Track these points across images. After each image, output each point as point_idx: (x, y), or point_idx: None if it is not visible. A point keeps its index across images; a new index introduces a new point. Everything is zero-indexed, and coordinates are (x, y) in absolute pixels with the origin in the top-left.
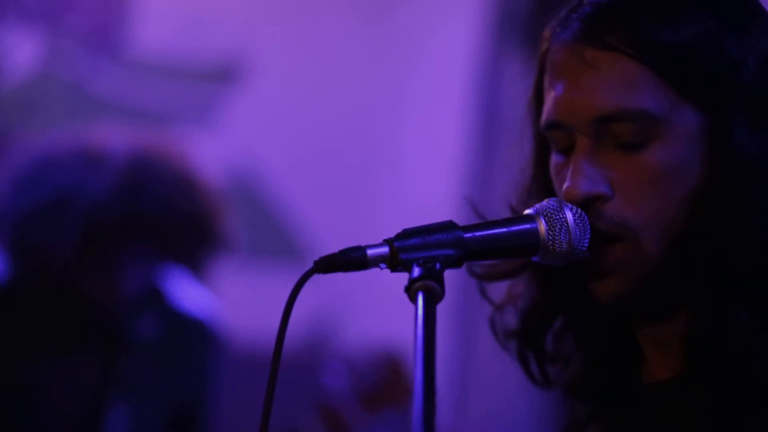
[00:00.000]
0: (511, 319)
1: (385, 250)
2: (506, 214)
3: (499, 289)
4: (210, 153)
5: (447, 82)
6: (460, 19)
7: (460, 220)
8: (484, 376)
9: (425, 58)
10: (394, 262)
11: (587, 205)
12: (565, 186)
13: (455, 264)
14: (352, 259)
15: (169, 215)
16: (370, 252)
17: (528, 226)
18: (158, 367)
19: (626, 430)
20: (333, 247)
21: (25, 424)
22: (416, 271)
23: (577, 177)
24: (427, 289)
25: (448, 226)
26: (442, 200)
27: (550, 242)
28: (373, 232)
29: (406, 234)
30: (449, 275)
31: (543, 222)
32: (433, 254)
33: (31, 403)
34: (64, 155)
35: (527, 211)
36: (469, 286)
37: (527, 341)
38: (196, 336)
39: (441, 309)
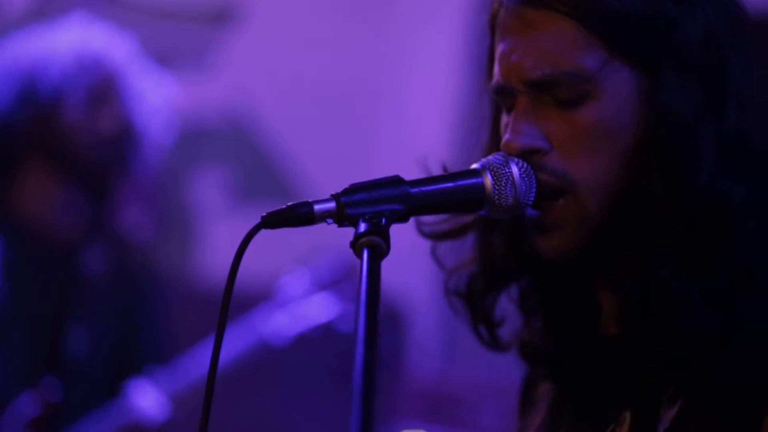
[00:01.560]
0: (462, 282)
1: (332, 205)
2: None
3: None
4: (205, 95)
5: (443, 27)
6: None
7: (455, 164)
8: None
9: (423, 6)
10: (341, 217)
11: (526, 158)
12: (504, 140)
13: (402, 219)
14: (299, 215)
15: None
16: (317, 207)
17: (474, 180)
18: (106, 295)
19: (578, 387)
20: (327, 189)
21: None
22: (362, 227)
23: (514, 132)
24: (372, 244)
25: (394, 181)
26: (438, 141)
27: (497, 196)
28: (369, 175)
29: (352, 189)
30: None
31: (489, 176)
32: (380, 209)
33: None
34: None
35: (473, 166)
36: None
37: (473, 305)
38: (137, 273)
39: (427, 255)
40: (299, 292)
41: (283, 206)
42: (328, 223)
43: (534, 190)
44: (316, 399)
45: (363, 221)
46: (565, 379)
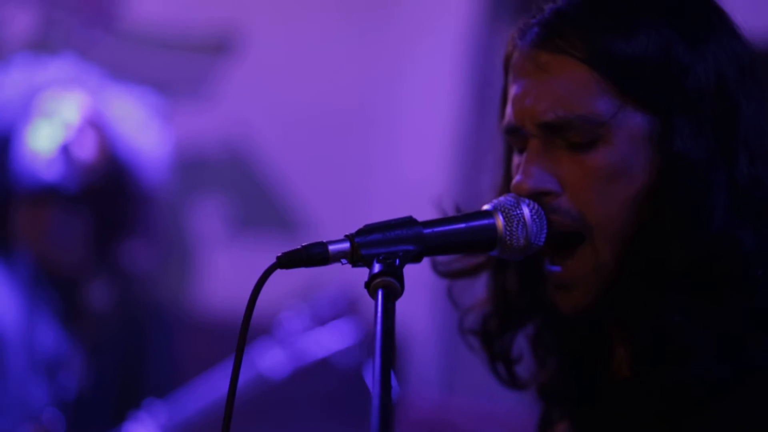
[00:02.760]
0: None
1: (346, 246)
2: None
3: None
4: (204, 124)
5: (441, 57)
6: None
7: (453, 195)
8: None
9: (420, 35)
10: (355, 257)
11: (537, 199)
12: (514, 181)
13: (415, 259)
14: (313, 255)
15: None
16: (331, 248)
17: (486, 221)
18: (110, 328)
19: (591, 427)
20: (325, 220)
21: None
22: (376, 267)
23: (525, 174)
24: (387, 285)
25: (407, 222)
26: (436, 174)
27: (508, 237)
28: (367, 206)
29: (367, 230)
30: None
31: (500, 217)
32: (393, 249)
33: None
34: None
35: (485, 207)
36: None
37: (489, 343)
38: (140, 305)
39: (428, 285)
40: (298, 328)
41: (298, 246)
42: (342, 263)
43: (545, 231)
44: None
45: (377, 262)
46: (582, 420)
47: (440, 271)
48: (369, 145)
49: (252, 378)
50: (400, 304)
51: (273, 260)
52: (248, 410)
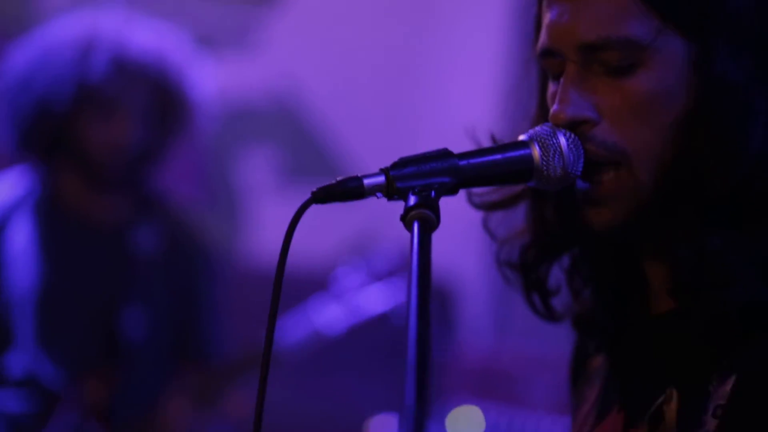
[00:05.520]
0: (515, 254)
1: (381, 179)
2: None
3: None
4: (251, 75)
5: (488, 3)
6: None
7: (502, 134)
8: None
9: None
10: (390, 191)
11: (574, 128)
12: (551, 110)
13: (451, 191)
14: (348, 189)
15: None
16: (366, 181)
17: (522, 151)
18: (159, 276)
19: (628, 362)
20: (374, 166)
21: (53, 327)
22: (412, 200)
23: (563, 102)
24: (422, 217)
25: (443, 154)
26: (483, 114)
27: (544, 167)
28: (415, 150)
29: (402, 163)
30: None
31: (537, 147)
32: (429, 182)
33: (57, 306)
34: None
35: (521, 137)
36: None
37: (526, 275)
38: (190, 249)
39: (478, 229)
40: (354, 283)
41: (333, 181)
42: (378, 197)
43: (582, 160)
44: (370, 386)
45: (413, 194)
46: (618, 354)
47: (476, 203)
48: (416, 91)
49: (308, 334)
50: (449, 251)
51: (321, 210)
52: (305, 366)
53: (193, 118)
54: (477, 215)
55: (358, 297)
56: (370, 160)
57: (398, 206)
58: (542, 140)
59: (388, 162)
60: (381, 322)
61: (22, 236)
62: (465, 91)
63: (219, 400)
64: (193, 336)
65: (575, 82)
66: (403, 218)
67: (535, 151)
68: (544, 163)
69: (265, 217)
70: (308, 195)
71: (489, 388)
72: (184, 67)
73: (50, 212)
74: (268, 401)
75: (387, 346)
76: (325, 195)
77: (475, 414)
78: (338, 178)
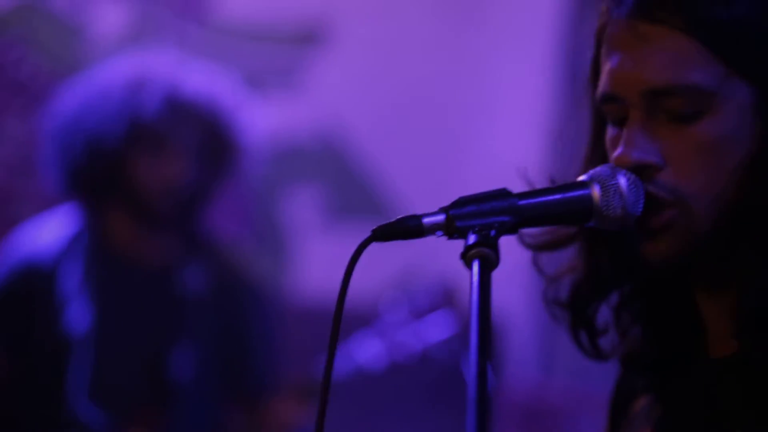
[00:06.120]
0: (563, 292)
1: (441, 218)
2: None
3: (552, 262)
4: (296, 115)
5: (532, 39)
6: None
7: (546, 177)
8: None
9: (510, 17)
10: (451, 229)
11: (639, 172)
12: (616, 153)
13: (510, 230)
14: (408, 228)
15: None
16: (426, 220)
17: (582, 192)
18: (208, 316)
19: (685, 405)
20: (420, 207)
21: (102, 370)
22: (472, 239)
23: (628, 145)
24: (483, 256)
25: (502, 193)
26: (530, 155)
27: (604, 207)
28: (461, 191)
29: (461, 202)
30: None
31: (597, 187)
32: (489, 221)
33: (107, 349)
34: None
35: (581, 178)
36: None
37: (575, 313)
38: (239, 287)
39: (524, 268)
40: (396, 319)
41: (392, 220)
42: (437, 236)
43: (642, 201)
44: (413, 424)
45: (473, 233)
46: (672, 395)
47: (529, 244)
48: (462, 132)
49: (350, 370)
50: (497, 286)
51: (367, 250)
52: (346, 402)
53: (243, 158)
54: (523, 251)
55: (399, 333)
56: (416, 198)
57: (441, 243)
58: (602, 180)
59: (434, 200)
60: (422, 358)
61: (73, 278)
62: (512, 130)
63: None
64: (242, 374)
65: (640, 127)
66: (463, 256)
67: (595, 192)
68: (604, 203)
69: (310, 256)
70: (354, 233)
71: (535, 424)
72: (234, 108)
73: (99, 253)
74: None
75: (428, 383)
76: (385, 233)
77: None
78: (397, 217)
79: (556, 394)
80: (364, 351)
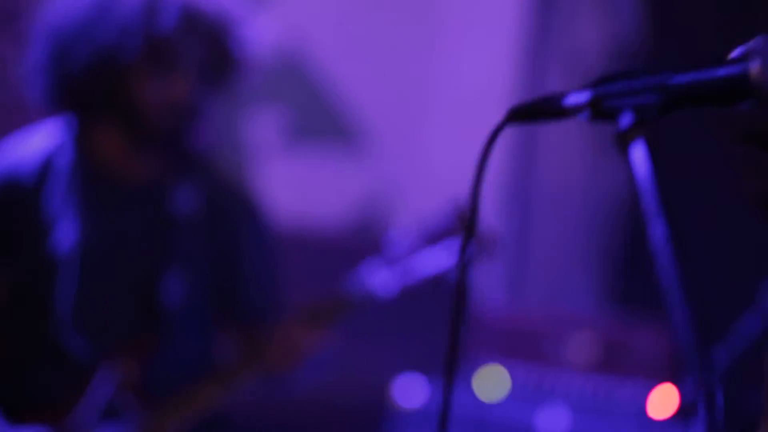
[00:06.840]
0: None
1: (586, 96)
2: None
3: None
4: (258, 30)
5: None
6: None
7: (513, 102)
8: (542, 253)
9: None
10: (598, 110)
11: None
12: None
13: (663, 111)
14: (550, 108)
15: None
16: (569, 100)
17: (736, 67)
18: (200, 237)
19: None
20: (383, 129)
21: (90, 294)
22: (625, 119)
23: None
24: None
25: (650, 70)
26: (495, 79)
27: (765, 81)
28: (426, 115)
29: (608, 79)
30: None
31: (757, 60)
32: (639, 101)
33: (95, 271)
34: None
35: (733, 54)
36: (524, 162)
37: None
38: (234, 209)
39: (495, 188)
40: (408, 246)
41: (528, 100)
42: (580, 118)
43: None
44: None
45: (625, 112)
46: None
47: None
48: (427, 49)
49: (362, 296)
50: None
51: (328, 168)
52: (358, 329)
53: (239, 76)
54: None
55: (412, 259)
56: (380, 120)
57: (403, 170)
58: (762, 53)
59: (398, 120)
60: (435, 283)
61: (58, 194)
62: (481, 45)
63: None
64: (238, 300)
65: None
66: (621, 139)
67: (756, 66)
68: (765, 76)
69: (272, 177)
70: (317, 155)
71: (515, 347)
72: (242, 22)
73: (86, 168)
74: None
75: (441, 308)
76: (523, 113)
77: (501, 373)
78: (538, 96)
79: (532, 315)
80: (375, 278)
